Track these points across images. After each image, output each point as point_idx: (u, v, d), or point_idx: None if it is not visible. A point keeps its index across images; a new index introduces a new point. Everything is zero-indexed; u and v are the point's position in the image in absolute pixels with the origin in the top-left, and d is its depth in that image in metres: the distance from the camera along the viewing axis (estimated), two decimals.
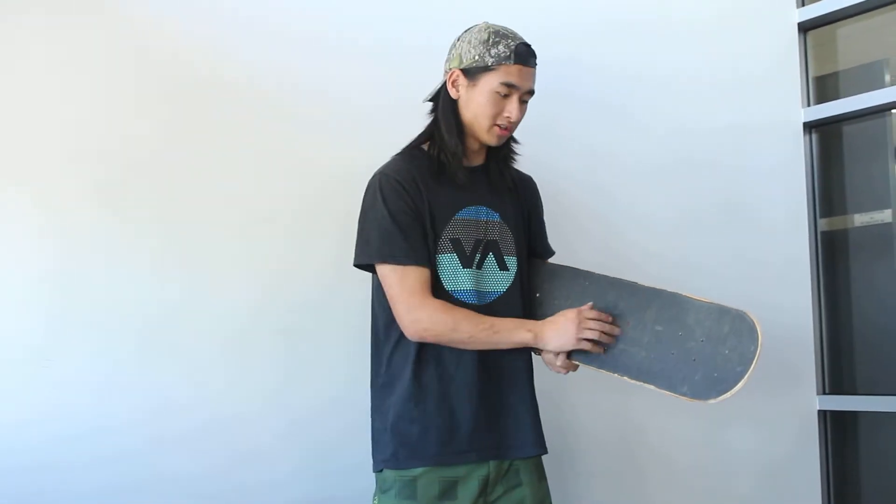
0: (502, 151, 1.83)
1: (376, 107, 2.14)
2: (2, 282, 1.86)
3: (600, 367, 1.68)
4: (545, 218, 1.97)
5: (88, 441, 1.86)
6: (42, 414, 1.85)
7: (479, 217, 1.76)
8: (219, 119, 2.03)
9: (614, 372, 1.66)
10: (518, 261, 1.81)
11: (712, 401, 1.50)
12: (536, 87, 1.74)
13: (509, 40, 1.70)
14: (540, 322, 1.71)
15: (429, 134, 1.79)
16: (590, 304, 1.71)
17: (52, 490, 1.83)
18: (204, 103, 2.03)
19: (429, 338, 1.66)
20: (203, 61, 2.04)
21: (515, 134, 1.83)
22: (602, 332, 1.67)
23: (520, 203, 1.87)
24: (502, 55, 1.68)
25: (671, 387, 1.56)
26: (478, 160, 1.82)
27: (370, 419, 1.76)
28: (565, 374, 1.77)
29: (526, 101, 1.75)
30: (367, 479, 1.78)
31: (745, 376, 1.48)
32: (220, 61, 2.05)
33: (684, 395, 1.54)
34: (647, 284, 1.69)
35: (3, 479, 1.81)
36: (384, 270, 1.68)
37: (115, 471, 1.88)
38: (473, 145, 1.79)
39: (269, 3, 2.11)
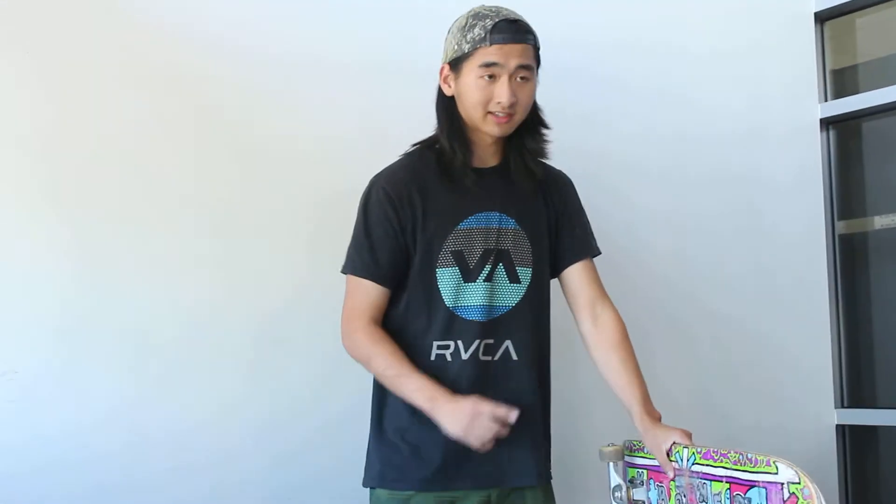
0: (523, 143, 1.70)
1: (351, 115, 2.10)
2: None
3: None
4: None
5: (57, 446, 1.84)
6: (4, 421, 1.82)
7: (489, 224, 1.66)
8: (195, 123, 2.01)
9: None
10: (534, 272, 1.70)
11: None
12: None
13: (487, 20, 1.59)
14: (446, 397, 1.55)
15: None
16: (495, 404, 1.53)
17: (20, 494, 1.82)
18: (178, 105, 2.00)
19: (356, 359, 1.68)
20: (187, 62, 2.01)
21: (549, 119, 1.71)
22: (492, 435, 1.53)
23: (547, 205, 1.75)
24: (477, 38, 1.58)
25: None
26: (493, 160, 1.71)
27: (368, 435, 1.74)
28: None
29: (527, 79, 1.62)
30: (340, 483, 1.78)
31: None
32: (207, 59, 2.02)
33: None
34: None
35: None
36: (347, 282, 1.69)
37: (88, 475, 1.85)
38: (485, 139, 1.68)
39: (248, 12, 2.08)
